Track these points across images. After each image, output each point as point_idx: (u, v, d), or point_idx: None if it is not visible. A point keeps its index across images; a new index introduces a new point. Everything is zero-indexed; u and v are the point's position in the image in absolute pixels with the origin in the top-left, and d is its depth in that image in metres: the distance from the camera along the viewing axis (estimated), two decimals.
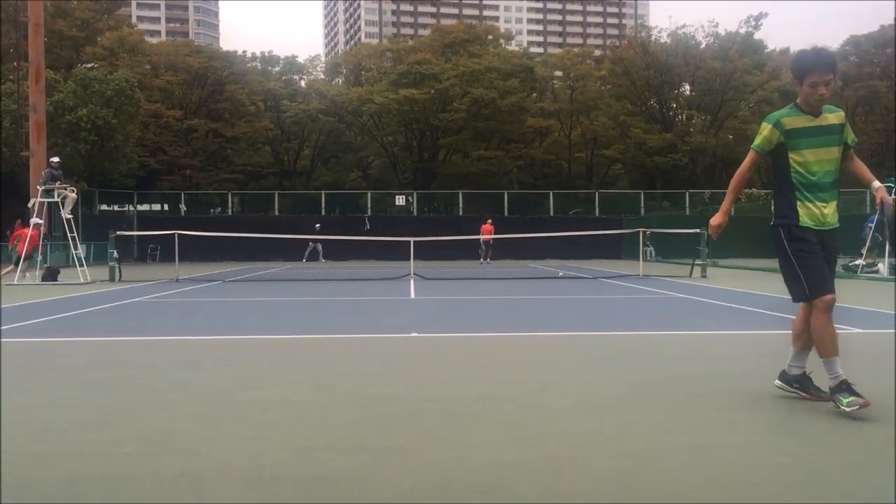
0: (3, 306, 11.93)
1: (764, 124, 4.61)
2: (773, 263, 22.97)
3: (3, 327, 9.06)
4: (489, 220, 32.61)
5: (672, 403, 4.79)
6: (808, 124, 4.49)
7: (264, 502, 3.04)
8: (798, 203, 4.53)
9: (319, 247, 34.74)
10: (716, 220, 4.99)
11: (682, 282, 17.78)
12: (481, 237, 30.74)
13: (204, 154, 52.54)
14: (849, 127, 4.62)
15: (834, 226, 4.58)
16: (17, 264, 18.93)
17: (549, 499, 3.05)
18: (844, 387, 4.34)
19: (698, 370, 6.09)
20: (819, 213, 4.52)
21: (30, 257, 18.94)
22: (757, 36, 56.06)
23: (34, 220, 20.09)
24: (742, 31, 55.35)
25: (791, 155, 4.53)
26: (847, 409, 4.24)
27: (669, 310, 11.52)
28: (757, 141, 4.63)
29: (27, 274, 18.66)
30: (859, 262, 19.57)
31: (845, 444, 3.83)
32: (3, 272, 19.14)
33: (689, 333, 8.71)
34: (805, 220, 4.52)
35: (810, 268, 4.48)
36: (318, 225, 35.93)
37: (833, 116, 4.53)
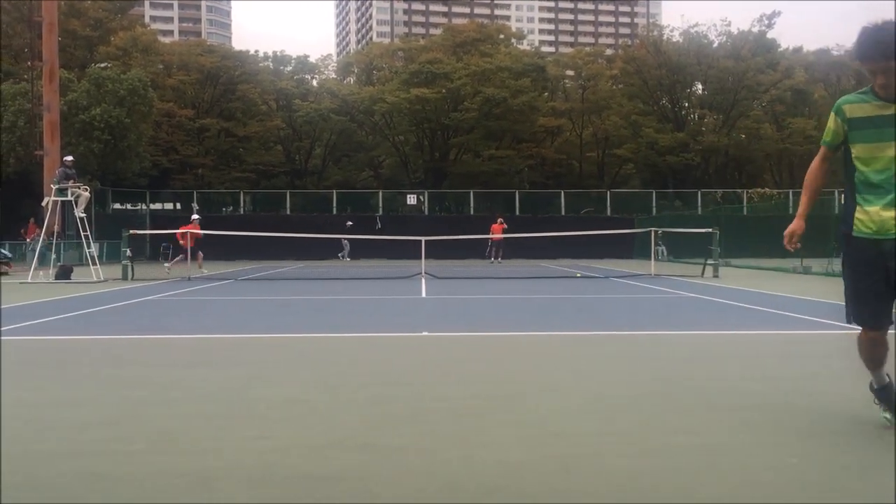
0: (16, 304, 12.01)
1: (831, 113, 3.99)
2: (786, 263, 22.65)
3: (16, 325, 9.11)
4: (500, 220, 32.59)
5: (682, 403, 4.77)
6: (877, 112, 3.73)
7: (272, 501, 3.04)
8: (858, 207, 3.81)
9: (348, 246, 35.11)
10: (790, 227, 4.12)
11: (694, 281, 17.71)
12: (491, 236, 30.75)
13: (216, 153, 52.76)
14: None
15: None
16: (185, 256, 21.00)
17: (558, 499, 3.04)
18: (882, 396, 4.09)
19: (710, 370, 6.05)
20: (881, 218, 3.74)
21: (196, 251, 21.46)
22: (770, 35, 55.83)
23: (195, 216, 22.41)
24: (755, 29, 55.13)
25: (852, 149, 3.84)
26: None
27: (681, 309, 11.47)
28: (824, 134, 4.01)
29: (41, 273, 18.78)
30: None
31: (856, 445, 3.80)
32: (171, 264, 21.60)
33: (700, 333, 8.67)
34: (861, 227, 3.79)
35: (854, 289, 3.93)
36: (349, 223, 36.11)
37: None
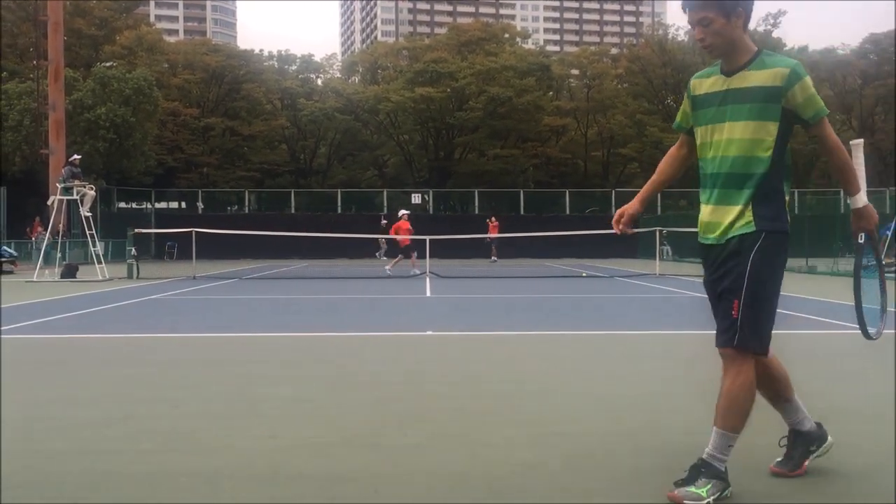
0: (22, 303, 12.04)
1: None
2: (791, 263, 22.78)
3: (21, 324, 9.14)
4: (492, 218, 32.87)
5: (688, 403, 4.76)
6: (714, 88, 3.09)
7: (280, 500, 3.04)
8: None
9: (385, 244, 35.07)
10: (623, 206, 3.53)
11: (699, 281, 17.64)
12: (487, 235, 31.00)
13: (221, 152, 52.83)
14: (802, 92, 2.94)
15: (723, 241, 3.05)
16: (392, 257, 21.20)
17: (564, 498, 3.04)
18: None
19: (715, 370, 6.03)
20: (705, 219, 3.15)
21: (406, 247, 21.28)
22: (775, 34, 55.74)
23: (402, 211, 22.41)
24: (760, 29, 55.00)
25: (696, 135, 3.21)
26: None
27: (686, 309, 11.46)
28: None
29: (46, 271, 18.82)
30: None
31: (859, 446, 3.80)
32: (390, 265, 21.31)
33: (706, 333, 8.63)
34: (699, 230, 3.20)
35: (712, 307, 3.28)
36: (384, 221, 36.10)
37: (763, 75, 2.96)
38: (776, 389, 3.33)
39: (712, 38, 2.99)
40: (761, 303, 3.00)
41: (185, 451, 3.71)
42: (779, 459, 3.34)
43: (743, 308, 2.98)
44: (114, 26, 50.83)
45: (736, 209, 3.03)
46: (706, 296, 3.32)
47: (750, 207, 3.01)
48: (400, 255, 21.30)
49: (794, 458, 3.30)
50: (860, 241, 3.15)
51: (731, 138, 3.03)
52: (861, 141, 3.28)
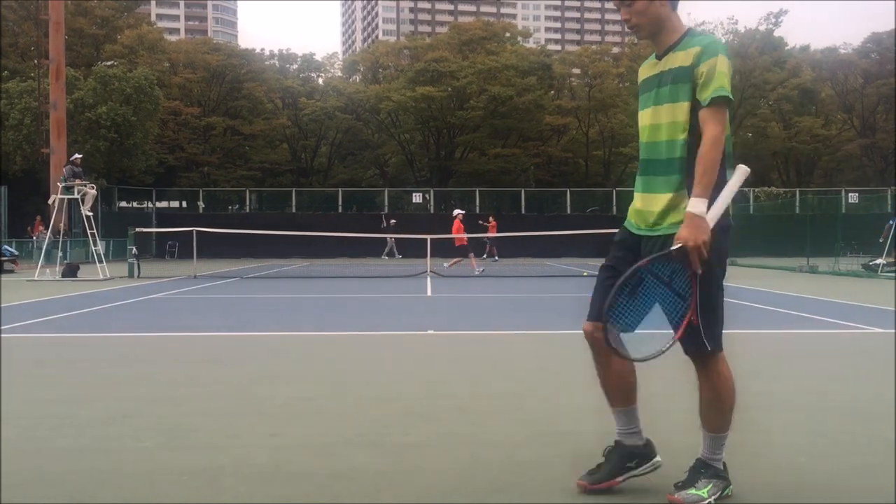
0: (23, 302, 12.05)
1: None
2: (793, 262, 22.61)
3: (23, 323, 9.15)
4: (490, 218, 33.00)
5: (689, 402, 4.76)
6: (651, 73, 2.99)
7: (281, 498, 3.05)
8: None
9: (394, 244, 35.04)
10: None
11: None
12: (486, 235, 31.13)
13: (222, 151, 52.83)
14: (706, 70, 2.76)
15: (657, 233, 2.94)
16: (467, 257, 20.95)
17: (567, 498, 3.05)
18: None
19: None
20: (636, 207, 3.05)
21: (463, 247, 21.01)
22: (777, 33, 55.63)
23: (457, 211, 22.07)
24: (762, 28, 54.96)
25: None
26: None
27: None
28: None
29: (47, 270, 18.83)
30: (880, 261, 19.41)
31: (861, 445, 3.80)
32: (477, 265, 20.90)
33: None
34: (628, 215, 3.12)
35: (596, 286, 3.19)
36: (392, 220, 36.05)
37: (682, 55, 2.83)
38: (624, 392, 3.19)
39: (637, 18, 2.88)
40: (714, 303, 2.91)
41: (187, 449, 3.71)
42: (590, 469, 3.14)
43: (701, 314, 2.89)
44: (115, 25, 50.84)
45: (663, 197, 2.90)
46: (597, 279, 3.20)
47: (685, 201, 2.80)
48: (471, 254, 21.29)
49: (604, 469, 3.09)
50: (672, 248, 2.75)
51: (655, 123, 2.92)
52: (747, 170, 2.90)
